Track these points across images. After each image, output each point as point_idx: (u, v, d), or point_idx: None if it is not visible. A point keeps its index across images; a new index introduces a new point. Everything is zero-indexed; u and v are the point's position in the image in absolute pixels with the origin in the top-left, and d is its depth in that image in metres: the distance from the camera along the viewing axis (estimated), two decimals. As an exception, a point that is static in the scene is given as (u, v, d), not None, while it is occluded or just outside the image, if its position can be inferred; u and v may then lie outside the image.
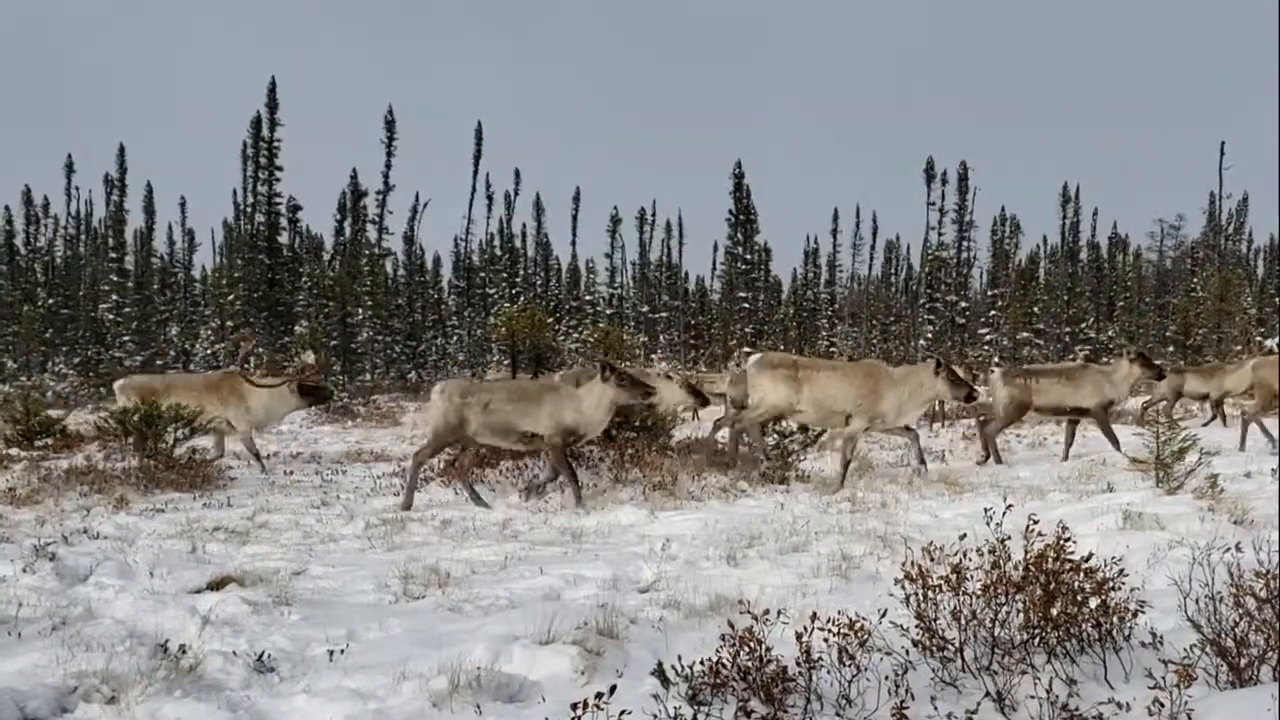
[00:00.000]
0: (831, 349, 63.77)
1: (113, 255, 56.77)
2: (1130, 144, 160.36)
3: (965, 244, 61.87)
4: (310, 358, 20.76)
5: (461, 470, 12.59)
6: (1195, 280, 57.53)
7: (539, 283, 70.93)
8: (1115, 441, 15.23)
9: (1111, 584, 5.07)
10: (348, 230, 57.89)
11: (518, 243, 70.38)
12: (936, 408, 24.52)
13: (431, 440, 12.54)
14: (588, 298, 69.61)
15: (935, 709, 4.64)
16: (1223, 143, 61.03)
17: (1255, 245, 76.77)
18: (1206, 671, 4.54)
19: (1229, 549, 5.47)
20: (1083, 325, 55.95)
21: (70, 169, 67.54)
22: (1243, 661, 4.50)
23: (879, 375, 13.58)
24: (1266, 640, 4.47)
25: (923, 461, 13.93)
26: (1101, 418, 15.89)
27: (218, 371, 17.19)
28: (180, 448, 15.02)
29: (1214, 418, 22.80)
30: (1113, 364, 16.94)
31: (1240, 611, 4.58)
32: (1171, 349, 35.89)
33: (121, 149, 57.89)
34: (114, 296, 55.21)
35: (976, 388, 13.91)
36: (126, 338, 52.89)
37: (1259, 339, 33.84)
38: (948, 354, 47.40)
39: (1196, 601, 4.78)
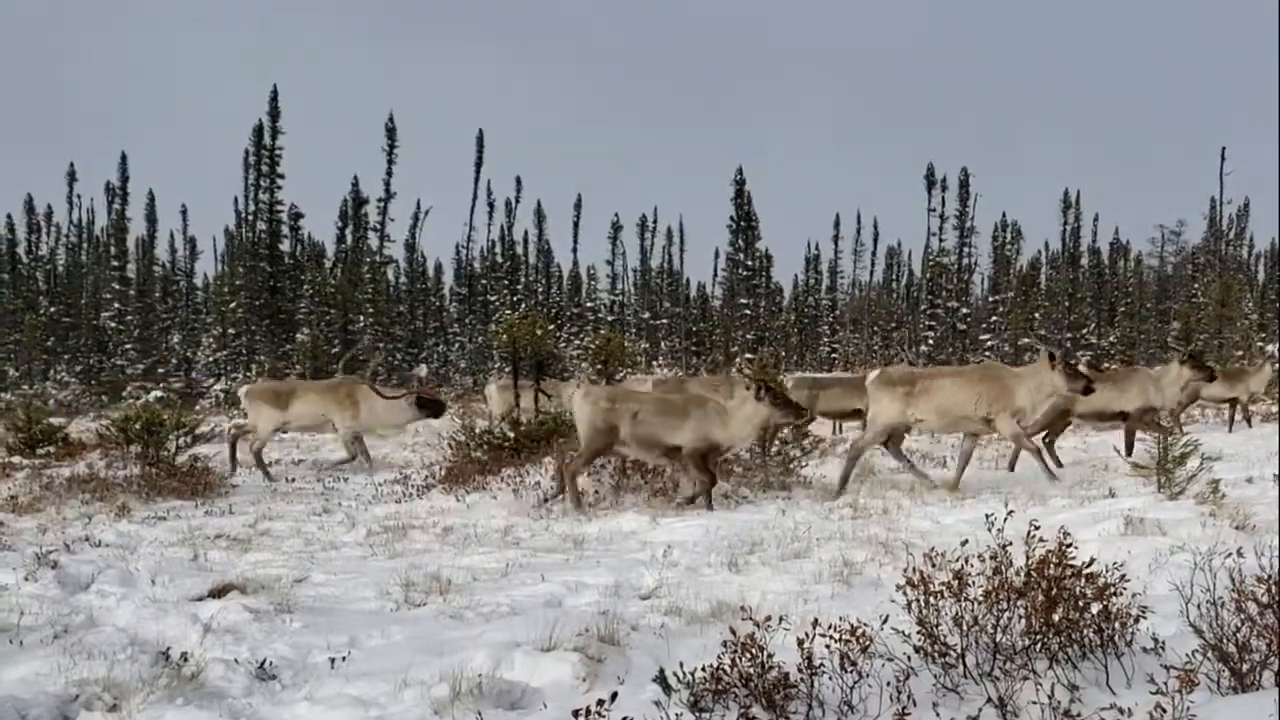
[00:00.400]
0: (833, 355, 63.78)
1: (114, 263, 56.76)
2: (1131, 149, 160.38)
3: (966, 250, 61.87)
4: (423, 371, 21.20)
5: (567, 473, 12.21)
6: (1196, 286, 57.62)
7: (540, 290, 70.96)
8: (1131, 448, 15.02)
9: (1113, 589, 5.06)
10: (349, 238, 57.88)
11: (519, 250, 70.38)
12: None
13: (586, 448, 12.19)
14: (589, 305, 69.67)
15: (937, 715, 4.63)
16: (1223, 148, 61.18)
17: (1256, 250, 76.88)
18: (1208, 677, 4.54)
19: (1231, 554, 5.47)
20: (1084, 331, 55.95)
21: (72, 177, 67.63)
22: (1245, 667, 4.50)
23: (1003, 375, 13.44)
24: (1269, 645, 4.46)
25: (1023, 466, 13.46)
26: (1136, 426, 15.46)
27: (342, 377, 17.88)
28: (182, 455, 15.03)
29: (1234, 420, 21.99)
30: (1162, 367, 16.25)
31: (1242, 617, 4.58)
32: (1173, 354, 35.84)
33: (123, 157, 57.93)
34: (116, 305, 55.21)
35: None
36: (128, 346, 52.88)
37: (1260, 344, 33.83)
38: (949, 360, 47.38)
39: (1198, 607, 4.77)
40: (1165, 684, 4.33)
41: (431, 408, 17.73)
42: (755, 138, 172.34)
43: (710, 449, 11.99)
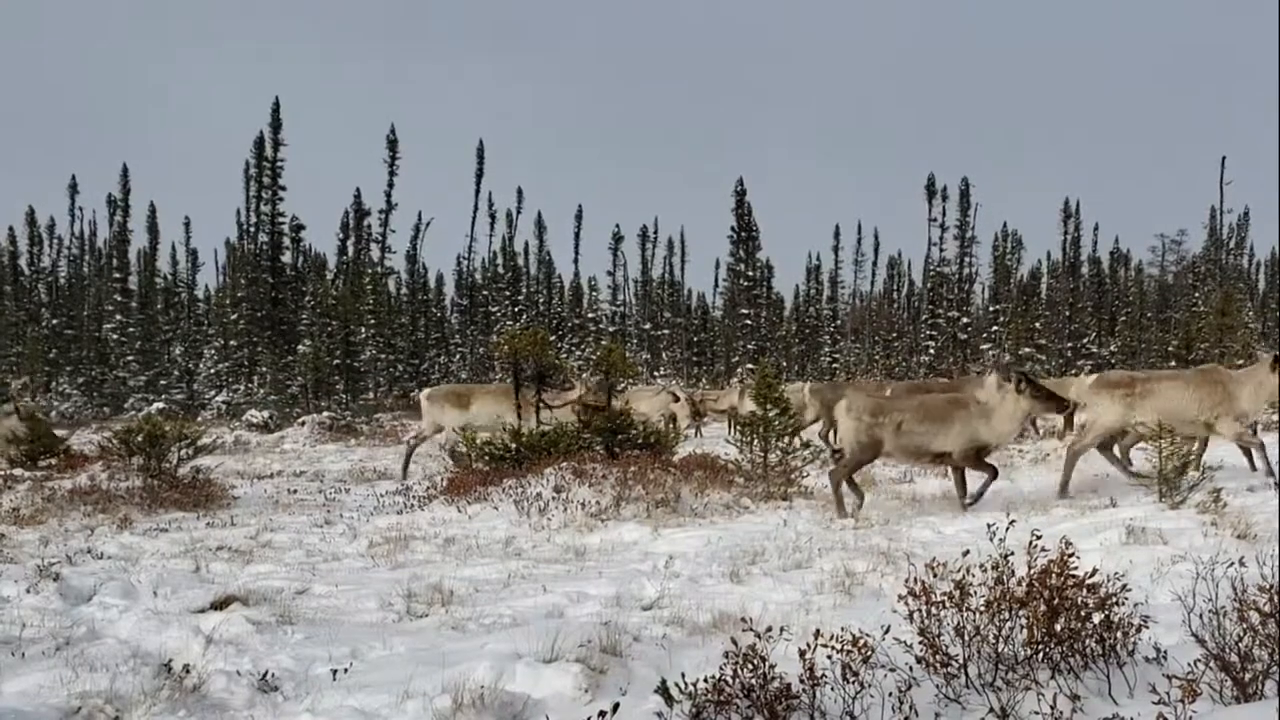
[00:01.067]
0: (834, 365, 63.75)
1: (116, 275, 56.76)
2: (1131, 159, 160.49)
3: (967, 260, 61.81)
4: (593, 381, 21.43)
5: (832, 481, 12.25)
6: (1197, 295, 57.50)
7: (541, 301, 70.90)
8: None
9: (1115, 599, 5.07)
10: (350, 249, 57.91)
11: (520, 261, 70.35)
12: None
13: (850, 460, 12.25)
14: (590, 315, 69.59)
15: (939, 725, 4.64)
16: (1223, 158, 61.08)
17: (1257, 259, 76.86)
18: (1211, 686, 4.53)
19: (1232, 564, 5.46)
20: (1085, 340, 55.91)
21: (74, 189, 67.59)
22: (1247, 676, 4.49)
23: (1224, 378, 13.23)
24: (1271, 655, 4.46)
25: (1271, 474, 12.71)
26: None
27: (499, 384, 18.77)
28: (184, 467, 15.03)
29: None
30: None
31: (1244, 626, 4.58)
32: (1174, 364, 35.82)
33: (125, 169, 58.03)
34: (118, 316, 55.21)
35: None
36: (130, 357, 52.89)
37: (1261, 353, 33.81)
38: (950, 370, 47.38)
39: (1200, 616, 4.78)
40: (1168, 694, 4.33)
41: (597, 413, 17.96)
42: (755, 148, 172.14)
43: (977, 450, 12.02)
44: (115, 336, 54.78)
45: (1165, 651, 5.10)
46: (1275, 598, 4.59)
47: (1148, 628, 5.14)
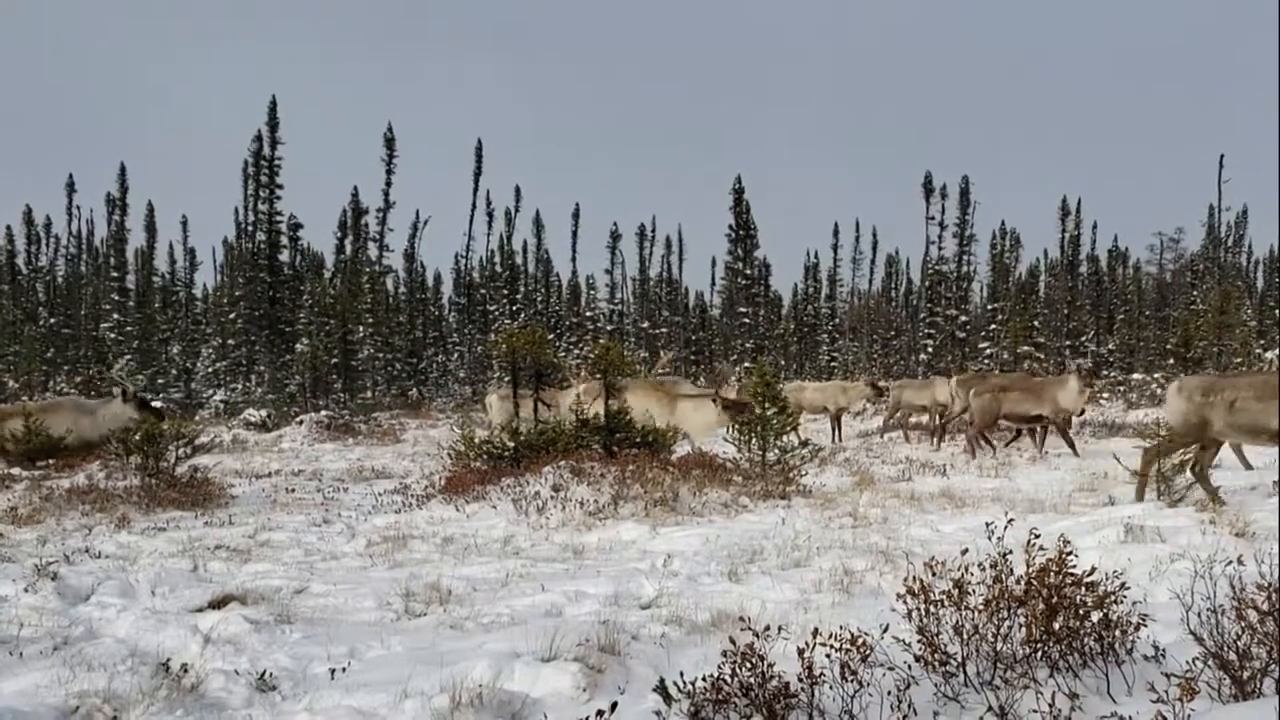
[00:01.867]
0: (832, 364, 63.74)
1: (114, 274, 56.71)
2: (1129, 157, 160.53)
3: (965, 258, 61.82)
4: (732, 379, 21.89)
5: (1199, 469, 11.77)
6: (1195, 293, 57.52)
7: (539, 299, 70.86)
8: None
9: (1113, 597, 5.07)
10: (348, 248, 57.90)
11: (518, 259, 70.33)
12: (936, 422, 24.54)
13: (1171, 440, 11.94)
14: (588, 314, 69.52)
15: (938, 724, 4.64)
16: (1221, 155, 61.17)
17: (1255, 257, 76.79)
18: (1209, 685, 4.53)
19: (1231, 562, 5.46)
20: (1083, 339, 55.90)
21: (71, 188, 67.59)
22: (1245, 674, 4.49)
23: None
24: (1269, 653, 4.46)
25: None
26: None
27: (662, 376, 19.04)
28: (182, 466, 15.02)
29: None
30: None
31: (1242, 624, 4.58)
32: (1172, 362, 35.82)
33: (122, 168, 57.95)
34: (115, 315, 55.15)
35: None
36: (128, 356, 52.79)
37: (1259, 351, 33.82)
38: (949, 368, 47.36)
39: (1198, 614, 4.78)
40: (1166, 692, 4.33)
41: (736, 409, 18.06)
42: (753, 147, 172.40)
43: None
44: (113, 335, 54.71)
45: (1164, 650, 5.10)
46: (1273, 596, 4.59)
47: (1146, 626, 5.14)
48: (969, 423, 19.27)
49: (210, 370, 51.29)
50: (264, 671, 5.94)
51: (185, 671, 5.85)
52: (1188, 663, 4.60)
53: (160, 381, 50.69)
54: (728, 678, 4.77)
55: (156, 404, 16.74)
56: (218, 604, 7.67)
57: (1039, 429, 19.11)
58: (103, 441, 16.19)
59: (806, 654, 4.75)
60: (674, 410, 17.45)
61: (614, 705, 4.75)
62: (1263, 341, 36.57)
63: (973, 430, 18.96)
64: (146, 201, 62.97)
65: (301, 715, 5.41)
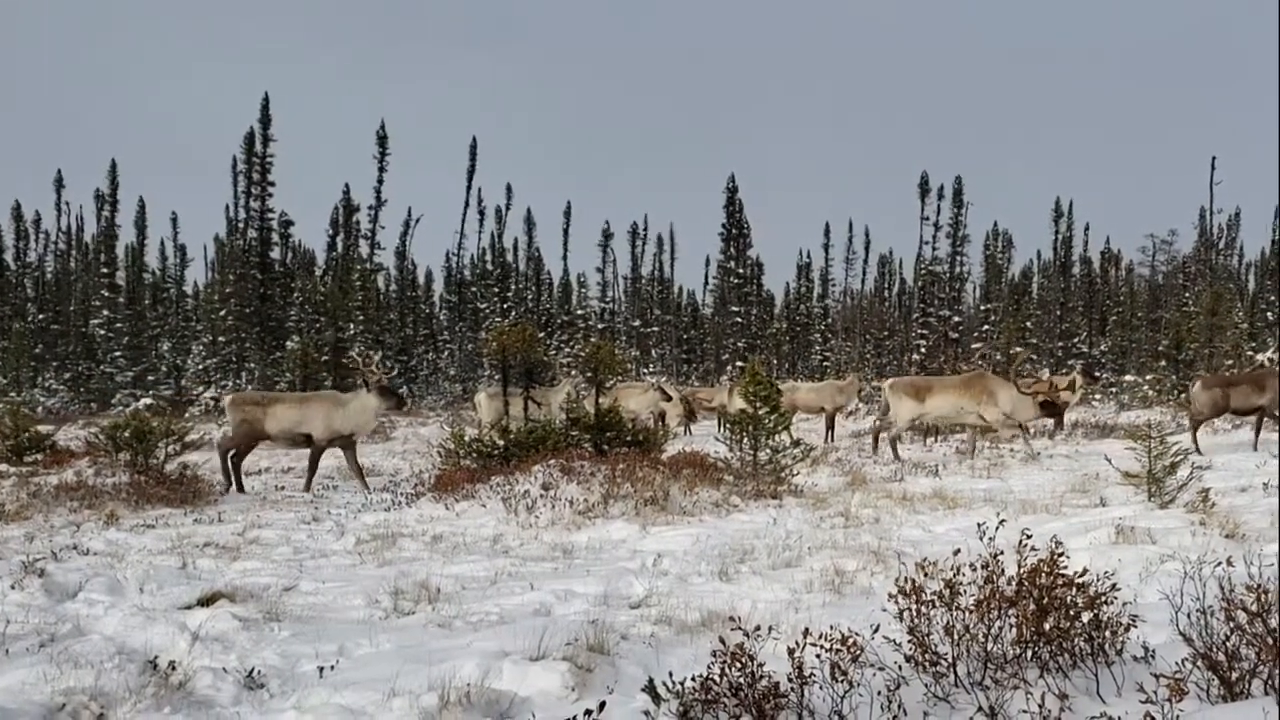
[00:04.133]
0: (825, 364, 63.79)
1: (104, 270, 56.60)
2: (1122, 159, 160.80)
3: (959, 258, 61.94)
4: (1061, 381, 22.07)
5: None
6: (1187, 295, 57.63)
7: (530, 297, 70.80)
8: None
9: (1104, 598, 5.06)
10: (340, 245, 57.79)
11: (509, 257, 70.32)
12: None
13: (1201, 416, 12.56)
14: (579, 312, 69.54)
15: (927, 725, 4.63)
16: (1213, 158, 61.09)
17: (1246, 260, 77.10)
18: (1198, 685, 4.53)
19: (1220, 563, 5.47)
20: (1075, 340, 56.07)
21: (60, 184, 67.44)
22: (1234, 675, 4.49)
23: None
24: (1258, 654, 4.46)
25: None
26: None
27: (978, 370, 19.39)
28: (171, 463, 14.99)
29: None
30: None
31: (1232, 625, 4.58)
32: (1164, 364, 35.90)
33: (113, 164, 57.79)
34: (105, 312, 55.04)
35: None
36: (118, 353, 52.73)
37: (1250, 353, 33.89)
38: (941, 368, 47.44)
39: (1188, 615, 4.77)
40: (1155, 693, 4.32)
41: (1050, 409, 18.63)
42: (747, 145, 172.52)
43: None
44: (102, 332, 54.60)
45: (1153, 650, 5.10)
46: (1263, 597, 4.58)
47: (1136, 627, 5.15)
48: (1195, 415, 19.04)
49: (200, 367, 51.11)
50: (252, 669, 5.92)
51: (173, 669, 5.82)
52: (1177, 663, 4.60)
53: (150, 378, 50.66)
54: (717, 678, 4.75)
55: (401, 390, 16.51)
56: (206, 601, 7.65)
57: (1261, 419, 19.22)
58: (353, 434, 16.23)
59: (797, 654, 4.74)
60: (997, 401, 18.16)
61: (602, 705, 4.74)
62: (1254, 344, 36.63)
63: (1198, 421, 18.81)
64: (137, 198, 63.11)
65: (289, 713, 5.39)
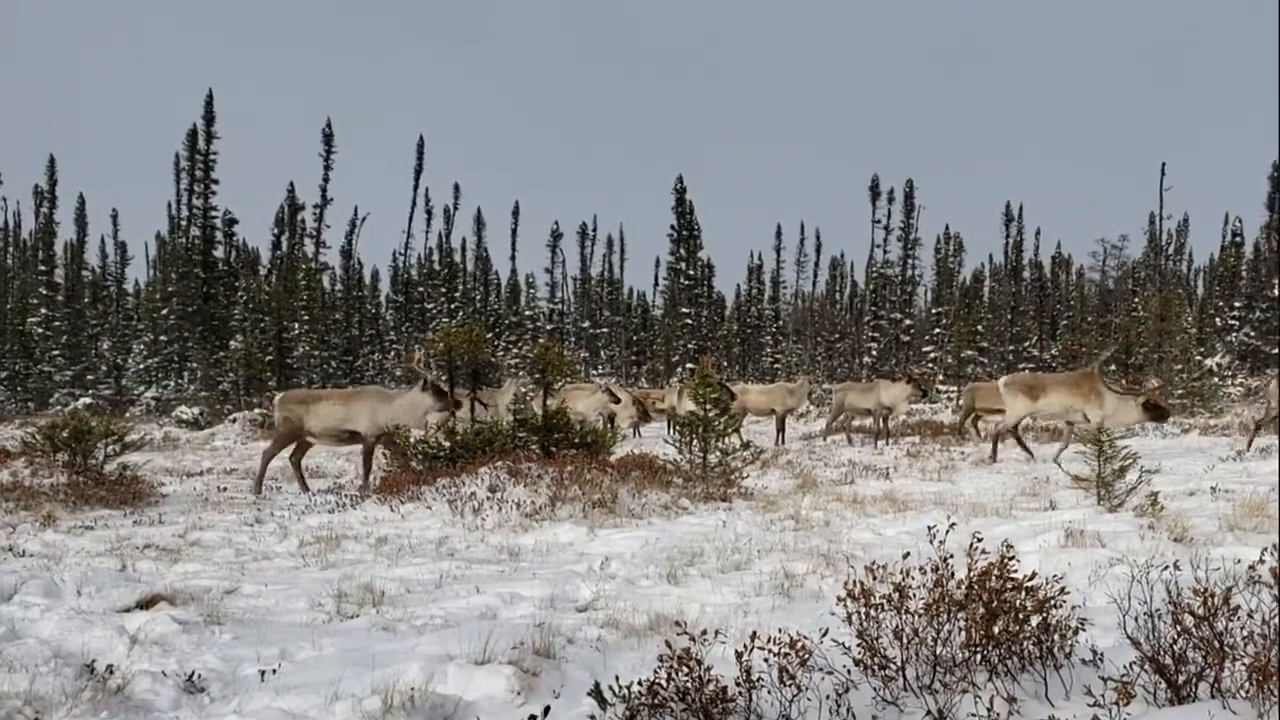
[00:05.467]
0: (775, 366, 64.05)
1: (42, 268, 55.96)
2: (1072, 164, 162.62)
3: (910, 262, 62.50)
4: (1155, 384, 21.95)
5: None
6: (1137, 300, 58.34)
7: (478, 298, 70.74)
8: None
9: (1053, 602, 5.06)
10: (284, 244, 57.42)
11: (457, 257, 70.19)
12: (880, 424, 24.70)
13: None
14: (528, 313, 69.51)
15: (877, 728, 4.60)
16: (1163, 164, 61.87)
17: (1195, 265, 78.42)
18: (1145, 689, 4.54)
19: (1168, 567, 5.49)
20: (1026, 344, 56.61)
21: (-4, 180, 66.50)
22: (1181, 679, 4.50)
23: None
24: (1205, 658, 4.47)
25: None
26: None
27: (1084, 370, 19.14)
28: (111, 464, 14.77)
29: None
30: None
31: (1179, 629, 4.59)
32: (1114, 368, 36.35)
33: (52, 160, 57.19)
34: (43, 310, 54.35)
35: None
36: (56, 352, 52.05)
37: (1198, 358, 34.41)
38: (894, 371, 47.74)
39: (1136, 619, 4.78)
40: (1103, 696, 4.33)
41: (1154, 412, 18.42)
42: (697, 146, 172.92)
43: None
44: (40, 330, 53.89)
45: (1101, 654, 5.10)
46: (1209, 601, 4.60)
47: (1085, 630, 5.15)
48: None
49: (141, 367, 50.61)
50: (192, 673, 5.82)
51: (111, 673, 5.70)
52: (1125, 667, 4.61)
53: (89, 378, 50.04)
54: (664, 682, 4.71)
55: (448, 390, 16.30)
56: (146, 604, 7.51)
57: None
58: (399, 430, 15.91)
59: (745, 657, 4.71)
60: (1104, 403, 18.08)
61: (547, 709, 4.69)
62: (1202, 349, 37.18)
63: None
64: (77, 194, 62.37)
65: (230, 718, 5.30)
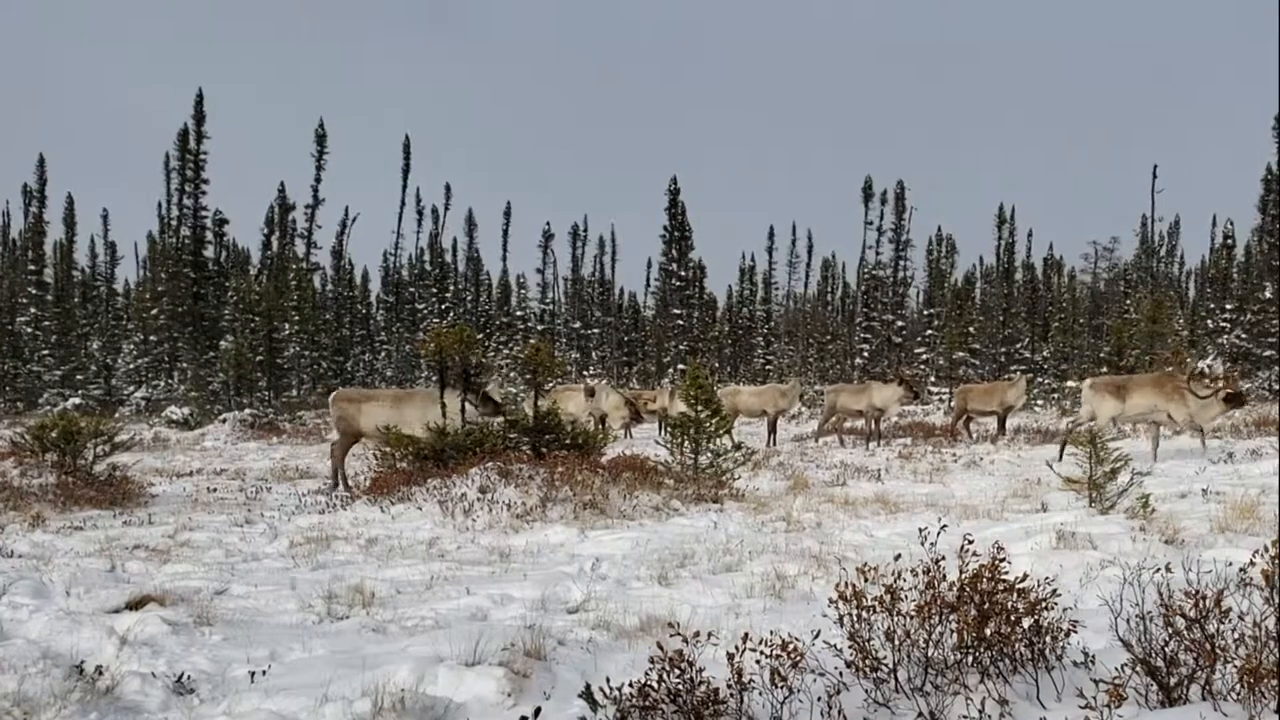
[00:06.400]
0: (767, 367, 64.06)
1: (31, 268, 55.67)
2: (1065, 166, 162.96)
3: (902, 263, 62.47)
4: (1220, 369, 21.96)
5: None
6: (1128, 302, 58.36)
7: (469, 298, 70.63)
8: None
9: (1044, 604, 5.05)
10: (275, 244, 57.29)
11: (448, 258, 70.11)
12: (872, 426, 24.70)
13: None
14: (519, 313, 69.49)
15: (868, 731, 4.60)
16: (1155, 166, 62.00)
17: (1187, 268, 78.50)
18: (1137, 691, 4.54)
19: (1160, 569, 5.49)
20: (1018, 345, 56.62)
21: (-14, 180, 66.31)
22: (1172, 681, 4.50)
23: None
24: (1196, 660, 4.47)
25: None
26: None
27: (1160, 372, 19.49)
28: (100, 464, 14.72)
29: None
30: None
31: (1170, 631, 4.58)
32: (1105, 370, 36.40)
33: (41, 159, 56.91)
34: (32, 310, 54.13)
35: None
36: (45, 352, 51.86)
37: (1190, 360, 34.50)
38: (885, 373, 47.81)
39: (1127, 621, 4.78)
40: (1095, 698, 4.33)
41: (1234, 401, 18.50)
42: (689, 147, 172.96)
43: None
44: (29, 330, 53.71)
45: (1093, 656, 5.09)
46: (1201, 603, 4.59)
47: (1076, 632, 5.14)
48: None
49: (131, 367, 50.48)
50: (182, 674, 5.80)
51: (100, 674, 5.68)
52: (1116, 669, 4.61)
53: (79, 378, 49.87)
54: (655, 684, 4.70)
55: (496, 396, 16.41)
56: (135, 605, 7.48)
57: None
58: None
59: (736, 659, 4.70)
60: (1187, 403, 18.14)
61: (538, 711, 4.68)
62: (1194, 351, 37.24)
63: None
64: (66, 194, 62.12)
65: (220, 719, 5.29)
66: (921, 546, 5.60)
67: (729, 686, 4.67)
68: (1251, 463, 16.36)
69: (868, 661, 4.96)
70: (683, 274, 61.12)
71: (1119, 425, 20.27)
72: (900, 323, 59.00)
